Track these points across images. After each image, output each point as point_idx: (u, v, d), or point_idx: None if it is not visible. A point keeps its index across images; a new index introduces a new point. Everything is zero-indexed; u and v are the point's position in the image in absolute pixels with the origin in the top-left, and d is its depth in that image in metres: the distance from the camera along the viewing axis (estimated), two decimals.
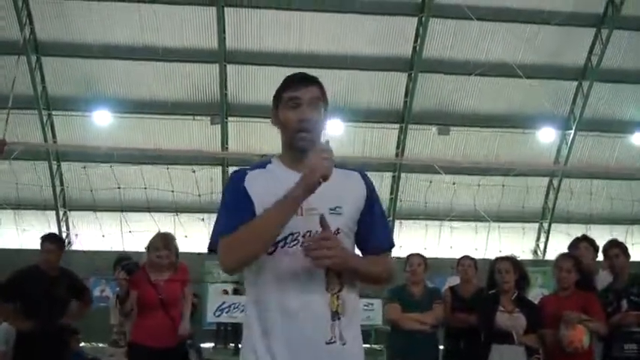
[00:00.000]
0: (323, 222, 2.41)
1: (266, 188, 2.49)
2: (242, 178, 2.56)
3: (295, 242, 2.44)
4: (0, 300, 6.19)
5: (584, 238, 6.53)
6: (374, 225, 2.64)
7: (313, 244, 2.35)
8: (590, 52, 17.28)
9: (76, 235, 17.20)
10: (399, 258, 7.30)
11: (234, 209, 2.50)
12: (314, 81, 2.62)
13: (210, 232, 2.55)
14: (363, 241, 2.62)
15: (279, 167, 2.61)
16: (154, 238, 5.69)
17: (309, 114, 2.55)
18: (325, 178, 2.35)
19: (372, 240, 2.63)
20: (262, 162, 2.68)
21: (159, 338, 5.40)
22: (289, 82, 2.60)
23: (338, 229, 2.49)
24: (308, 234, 2.44)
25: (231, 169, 17.07)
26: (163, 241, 5.65)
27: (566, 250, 6.19)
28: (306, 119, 2.53)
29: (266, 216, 2.38)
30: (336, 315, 2.44)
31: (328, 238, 2.38)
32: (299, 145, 2.52)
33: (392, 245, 2.70)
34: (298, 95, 2.56)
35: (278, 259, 2.44)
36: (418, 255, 6.62)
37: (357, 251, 2.64)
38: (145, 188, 12.39)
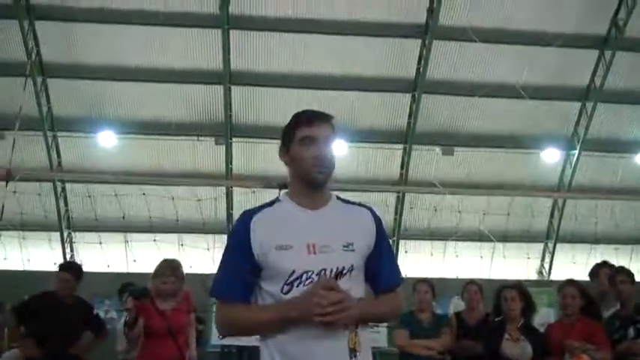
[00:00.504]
0: (334, 285, 2.45)
1: (271, 232, 2.52)
2: (247, 226, 2.56)
3: (310, 280, 2.47)
4: (15, 323, 6.17)
5: (605, 264, 6.59)
6: (384, 262, 2.68)
7: (327, 312, 2.37)
8: (594, 73, 17.31)
9: (80, 261, 17.26)
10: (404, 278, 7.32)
11: (232, 270, 2.56)
12: (327, 119, 2.64)
13: (213, 279, 2.62)
14: (373, 278, 2.66)
15: (288, 204, 2.64)
16: (160, 265, 5.68)
17: (325, 151, 2.58)
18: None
19: (382, 278, 2.68)
20: (271, 201, 2.70)
21: None
22: (303, 120, 2.62)
23: (352, 266, 2.53)
24: (323, 272, 2.47)
25: (235, 190, 17.13)
26: (170, 269, 5.65)
27: (570, 272, 6.25)
28: (322, 157, 2.57)
29: (261, 319, 2.47)
30: (353, 352, 2.48)
31: (341, 301, 2.40)
32: (317, 180, 2.57)
33: (401, 282, 2.75)
34: (313, 135, 2.58)
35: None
36: (425, 282, 6.65)
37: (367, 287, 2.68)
38: (150, 217, 12.39)
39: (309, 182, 2.59)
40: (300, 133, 2.59)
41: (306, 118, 2.63)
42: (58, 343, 5.95)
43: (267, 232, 2.51)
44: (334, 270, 2.48)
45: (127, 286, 6.70)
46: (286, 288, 2.47)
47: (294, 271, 2.46)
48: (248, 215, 2.60)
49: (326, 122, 2.63)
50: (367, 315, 2.56)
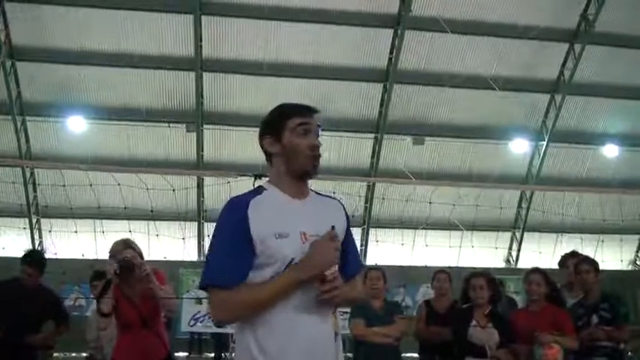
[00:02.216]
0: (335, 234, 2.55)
1: (269, 219, 2.53)
2: (244, 211, 2.53)
3: None
4: None
5: (573, 254, 6.68)
6: (350, 251, 2.75)
7: (326, 290, 2.47)
8: (563, 65, 17.55)
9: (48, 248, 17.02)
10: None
11: (232, 255, 2.49)
12: (317, 111, 2.71)
13: (204, 269, 2.55)
14: (341, 265, 2.66)
15: (276, 193, 2.65)
16: (114, 246, 5.19)
17: (318, 141, 2.66)
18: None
19: (349, 265, 2.73)
20: (257, 189, 2.70)
21: (150, 358, 5.02)
22: (296, 110, 2.67)
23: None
24: None
25: (206, 179, 17.02)
26: (123, 244, 5.17)
27: (537, 261, 6.35)
28: (317, 146, 2.64)
29: (267, 292, 2.45)
30: (336, 335, 2.60)
31: (336, 278, 2.51)
32: (312, 169, 2.62)
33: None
34: (309, 121, 2.64)
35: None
36: (377, 269, 6.72)
37: None
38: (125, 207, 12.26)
39: (304, 172, 2.63)
40: (293, 122, 2.62)
41: (301, 108, 2.69)
42: (14, 330, 5.89)
43: (265, 219, 2.52)
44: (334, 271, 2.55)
45: (99, 273, 6.51)
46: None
47: (292, 259, 2.49)
48: (242, 201, 2.58)
49: (316, 113, 2.69)
50: (347, 296, 2.63)
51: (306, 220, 2.58)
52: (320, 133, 2.69)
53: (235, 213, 2.53)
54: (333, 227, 2.54)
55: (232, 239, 2.49)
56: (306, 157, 2.61)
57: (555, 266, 7.07)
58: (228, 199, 2.62)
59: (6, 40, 15.67)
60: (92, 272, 6.89)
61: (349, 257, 2.73)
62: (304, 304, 2.49)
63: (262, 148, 2.73)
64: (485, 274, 6.05)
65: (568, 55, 17.37)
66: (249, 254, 2.50)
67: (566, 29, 17.07)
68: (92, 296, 6.48)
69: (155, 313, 5.13)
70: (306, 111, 2.68)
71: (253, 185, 2.84)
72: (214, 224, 2.59)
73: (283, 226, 2.49)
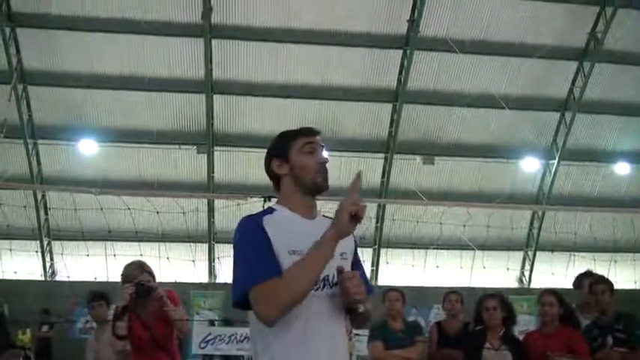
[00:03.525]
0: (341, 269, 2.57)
1: (282, 236, 2.56)
2: (261, 224, 2.58)
3: (318, 287, 2.55)
4: None
5: (588, 274, 6.59)
6: (360, 272, 2.73)
7: (354, 284, 2.52)
8: (573, 84, 17.52)
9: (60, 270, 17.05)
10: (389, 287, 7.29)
11: (260, 258, 2.50)
12: (319, 133, 2.81)
13: (234, 286, 2.55)
14: None
15: (287, 212, 2.69)
16: (127, 268, 5.23)
17: (325, 157, 2.74)
18: (359, 219, 2.47)
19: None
20: (268, 209, 2.74)
21: None
22: (302, 131, 2.78)
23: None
24: (326, 277, 2.57)
25: (217, 201, 17.03)
26: (139, 267, 5.20)
27: (550, 281, 6.25)
28: (325, 161, 2.72)
29: (311, 258, 2.45)
30: (350, 357, 2.72)
31: (355, 276, 2.57)
32: (321, 185, 2.69)
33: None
34: (313, 140, 2.74)
35: (307, 303, 2.50)
36: (396, 290, 6.63)
37: None
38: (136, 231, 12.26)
39: (314, 189, 2.69)
40: (300, 142, 2.72)
41: (306, 130, 2.78)
42: None
43: (279, 235, 2.56)
44: (335, 275, 2.58)
45: (97, 294, 6.43)
46: None
47: None
48: (257, 217, 2.63)
49: (319, 135, 2.78)
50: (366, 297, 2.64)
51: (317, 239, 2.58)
52: (325, 152, 2.77)
53: (253, 227, 2.57)
54: (359, 174, 2.60)
55: (256, 248, 2.52)
56: (315, 173, 2.67)
57: (568, 286, 6.99)
58: (240, 219, 2.66)
59: (17, 66, 15.80)
60: (89, 293, 6.73)
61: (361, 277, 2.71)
62: (320, 324, 2.52)
63: (270, 173, 2.78)
64: (498, 295, 5.96)
65: (577, 73, 17.34)
66: (276, 259, 2.52)
67: (574, 47, 17.06)
68: (88, 317, 6.33)
69: (168, 334, 5.15)
70: (310, 132, 2.77)
71: (263, 207, 2.86)
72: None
73: (296, 244, 2.51)
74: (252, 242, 2.54)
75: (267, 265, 2.47)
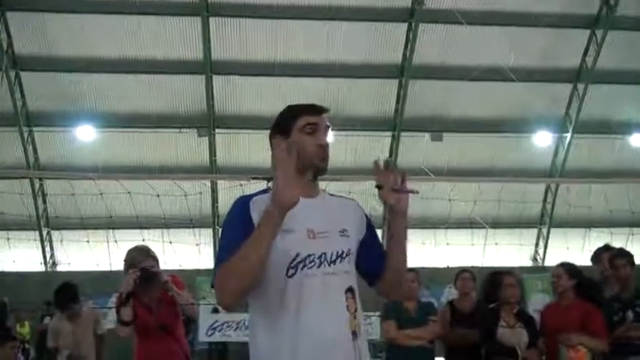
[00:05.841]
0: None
1: None
2: (247, 206, 2.58)
3: (313, 264, 2.53)
4: None
5: (607, 248, 6.56)
6: (378, 249, 2.79)
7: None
8: (585, 53, 17.06)
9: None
10: None
11: (230, 239, 2.49)
12: (326, 110, 2.73)
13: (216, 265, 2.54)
14: (369, 263, 2.74)
15: None
16: (131, 253, 5.24)
17: (326, 140, 2.68)
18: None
19: (380, 261, 2.75)
20: (265, 189, 2.73)
21: None
22: (304, 109, 2.71)
23: (349, 250, 2.63)
24: (323, 255, 2.54)
25: (219, 184, 16.76)
26: (144, 252, 5.25)
27: (565, 258, 6.32)
28: (325, 145, 2.66)
29: (251, 238, 2.39)
30: (354, 335, 2.54)
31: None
32: (320, 167, 2.65)
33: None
34: (317, 121, 2.66)
35: (299, 281, 2.49)
36: (411, 270, 6.48)
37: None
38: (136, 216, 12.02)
39: (312, 167, 2.65)
40: (301, 121, 2.65)
41: (308, 107, 2.71)
42: None
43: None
44: (334, 253, 2.57)
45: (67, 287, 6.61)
46: (291, 271, 2.50)
47: (298, 254, 2.50)
48: (246, 198, 2.64)
49: (325, 113, 2.71)
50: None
51: (315, 218, 2.60)
52: (329, 132, 2.70)
53: (238, 208, 2.59)
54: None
55: (231, 229, 2.55)
56: (313, 156, 2.63)
57: (585, 262, 6.90)
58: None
59: (9, 50, 15.48)
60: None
61: (381, 252, 2.76)
62: (313, 304, 2.48)
63: (272, 149, 2.77)
64: (513, 272, 5.95)
65: (590, 41, 16.88)
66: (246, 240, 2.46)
67: (586, 15, 16.59)
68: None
69: (174, 319, 5.24)
70: (315, 110, 2.71)
71: (267, 187, 2.79)
72: None
73: (287, 222, 2.44)
74: (230, 223, 2.59)
75: (232, 248, 2.43)
